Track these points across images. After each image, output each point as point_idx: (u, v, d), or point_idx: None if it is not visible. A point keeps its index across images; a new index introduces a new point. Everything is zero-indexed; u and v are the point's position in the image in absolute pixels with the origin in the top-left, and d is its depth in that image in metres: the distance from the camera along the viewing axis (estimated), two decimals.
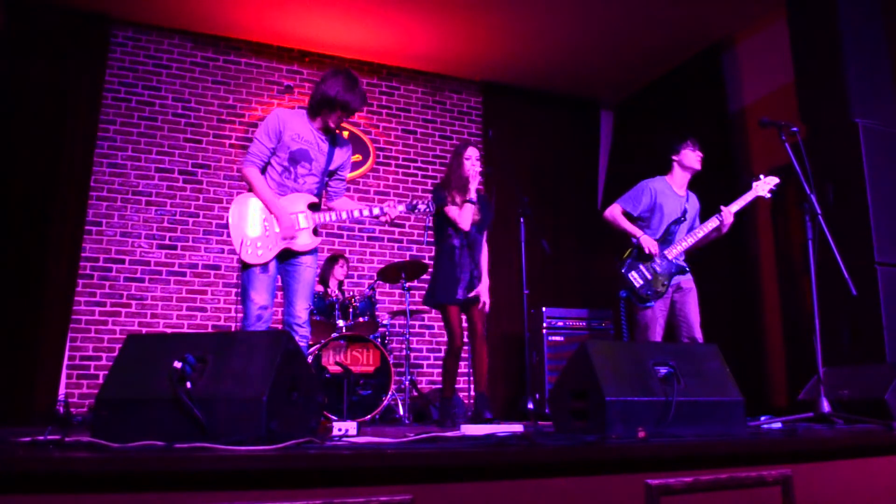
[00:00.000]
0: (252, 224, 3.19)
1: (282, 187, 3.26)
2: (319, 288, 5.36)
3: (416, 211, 3.49)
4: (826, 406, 2.89)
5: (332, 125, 3.27)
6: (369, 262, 6.31)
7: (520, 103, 7.05)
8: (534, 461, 1.73)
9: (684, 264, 3.98)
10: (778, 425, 2.82)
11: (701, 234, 3.92)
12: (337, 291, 5.43)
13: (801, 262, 5.10)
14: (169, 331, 5.58)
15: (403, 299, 5.43)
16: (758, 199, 3.96)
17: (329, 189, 3.49)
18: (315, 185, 3.33)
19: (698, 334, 3.93)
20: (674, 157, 4.12)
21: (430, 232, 6.29)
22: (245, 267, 3.17)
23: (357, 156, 6.47)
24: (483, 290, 4.07)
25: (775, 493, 1.97)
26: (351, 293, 5.42)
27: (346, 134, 6.36)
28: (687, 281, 4.00)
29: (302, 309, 3.27)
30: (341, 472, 1.57)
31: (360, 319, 5.05)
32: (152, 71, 5.95)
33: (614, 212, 4.11)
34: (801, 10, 4.62)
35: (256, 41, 6.28)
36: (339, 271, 5.46)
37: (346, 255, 5.98)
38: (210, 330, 5.68)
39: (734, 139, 5.97)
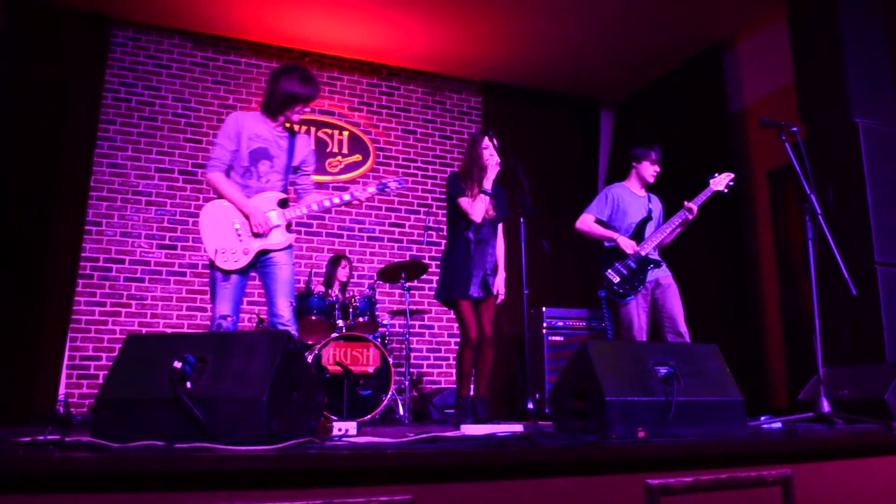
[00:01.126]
0: (225, 231, 3.18)
1: (246, 189, 3.25)
2: (321, 288, 5.37)
3: (388, 190, 3.51)
4: (826, 406, 2.89)
5: (295, 119, 3.31)
6: (369, 262, 6.31)
7: (520, 103, 7.05)
8: (534, 461, 1.73)
9: (658, 257, 4.11)
10: (778, 425, 2.82)
11: (669, 230, 4.07)
12: (338, 292, 5.43)
13: (801, 262, 5.11)
14: (169, 331, 5.58)
15: (403, 299, 5.43)
16: (733, 196, 4.17)
17: (297, 187, 3.47)
18: (280, 182, 3.32)
19: (683, 329, 3.99)
20: (633, 164, 4.29)
21: (430, 232, 6.32)
22: (212, 266, 3.18)
23: (357, 156, 6.48)
24: (500, 282, 4.02)
25: (775, 493, 1.97)
26: (351, 293, 5.42)
27: (340, 131, 6.37)
28: (665, 277, 4.10)
29: (284, 307, 3.25)
30: (341, 472, 1.57)
31: (360, 319, 5.05)
32: (152, 71, 5.95)
33: (587, 221, 4.25)
34: (801, 10, 4.62)
35: (256, 41, 6.28)
36: (341, 273, 5.46)
37: (347, 254, 5.98)
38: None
39: (734, 139, 5.97)
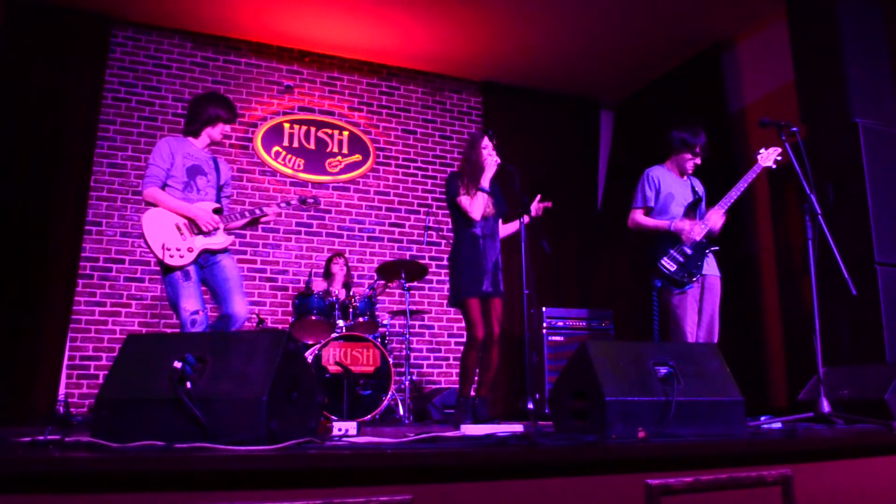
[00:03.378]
0: (168, 231, 3.46)
1: (187, 201, 3.54)
2: (321, 287, 5.37)
3: (307, 204, 3.95)
4: (826, 406, 2.89)
5: (217, 138, 3.70)
6: (369, 262, 6.31)
7: (520, 103, 7.05)
8: (534, 461, 1.73)
9: (709, 247, 3.83)
10: (778, 425, 2.82)
11: (738, 192, 3.80)
12: (340, 289, 5.44)
13: (801, 262, 5.11)
14: (169, 331, 5.58)
15: (403, 299, 5.43)
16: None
17: (222, 204, 3.78)
18: (214, 196, 3.67)
19: (716, 332, 3.82)
20: (674, 153, 4.04)
21: (430, 232, 6.32)
22: (168, 271, 3.41)
23: (357, 156, 6.48)
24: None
25: (775, 493, 1.97)
26: (351, 293, 5.42)
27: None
28: (714, 279, 3.86)
29: (241, 303, 3.52)
30: (341, 472, 1.57)
31: (360, 319, 5.05)
32: (152, 71, 5.95)
33: (635, 217, 3.99)
34: (801, 10, 4.62)
35: (256, 41, 6.28)
36: (335, 269, 5.48)
37: (346, 254, 5.98)
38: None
39: (734, 139, 5.97)
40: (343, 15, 5.83)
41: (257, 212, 3.79)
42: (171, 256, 3.40)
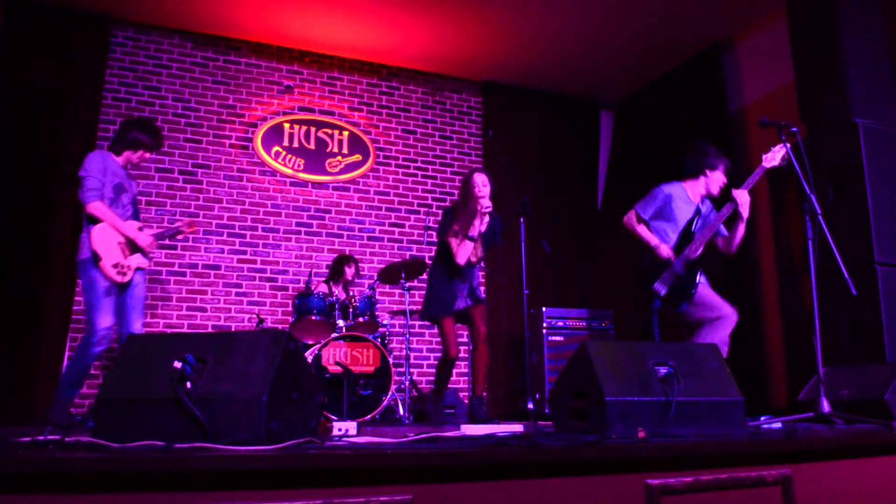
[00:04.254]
0: (114, 250, 3.70)
1: (123, 222, 3.80)
2: (322, 288, 5.37)
3: (179, 230, 4.18)
4: (826, 406, 2.89)
5: (135, 161, 3.93)
6: (369, 262, 6.31)
7: (520, 103, 7.05)
8: (534, 461, 1.73)
9: (698, 271, 3.82)
10: (778, 425, 2.82)
11: (718, 224, 3.77)
12: (341, 290, 5.44)
13: (801, 262, 5.10)
14: (169, 331, 5.58)
15: (403, 299, 5.43)
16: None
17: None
18: (132, 212, 3.93)
19: (724, 311, 3.85)
20: (707, 170, 3.93)
21: (430, 231, 6.31)
22: (95, 286, 3.60)
23: (357, 156, 6.48)
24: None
25: (775, 493, 1.97)
26: (351, 293, 5.42)
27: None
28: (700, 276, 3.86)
29: (139, 325, 3.79)
30: (341, 472, 1.57)
31: (360, 319, 5.05)
32: (152, 71, 5.95)
33: (630, 219, 3.97)
34: (801, 10, 4.61)
35: (256, 41, 6.28)
36: (349, 272, 5.50)
37: (346, 253, 5.98)
38: (210, 330, 5.68)
39: (734, 139, 5.97)
40: (343, 15, 5.83)
41: (174, 229, 4.11)
42: (119, 274, 3.65)
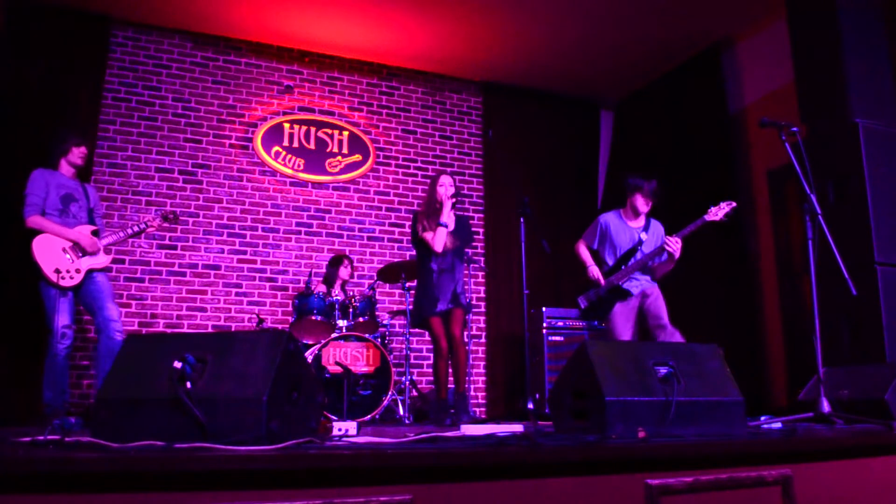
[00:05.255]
0: (57, 255, 3.93)
1: (65, 225, 4.02)
2: (321, 288, 5.37)
3: (169, 220, 4.42)
4: (826, 406, 2.89)
5: (78, 162, 4.16)
6: (369, 262, 6.31)
7: (520, 103, 7.05)
8: (534, 461, 1.73)
9: (628, 288, 4.27)
10: (778, 425, 2.82)
11: (645, 261, 4.22)
12: (339, 291, 5.44)
13: (801, 262, 5.11)
14: (169, 331, 5.58)
15: (403, 299, 5.43)
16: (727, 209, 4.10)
17: (96, 226, 4.20)
18: (86, 219, 4.15)
19: (666, 321, 4.18)
20: (627, 194, 4.39)
21: None
22: (48, 291, 3.88)
23: (357, 156, 6.48)
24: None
25: (775, 493, 1.97)
26: (351, 293, 5.41)
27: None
28: (651, 287, 4.30)
29: (114, 309, 4.03)
30: (341, 472, 1.57)
31: (360, 319, 5.05)
32: (152, 71, 5.95)
33: (578, 246, 4.54)
34: (801, 10, 4.61)
35: (256, 41, 6.28)
36: (343, 272, 5.48)
37: (347, 254, 5.98)
38: (210, 330, 5.68)
39: (734, 139, 5.97)
40: (343, 15, 5.83)
41: (141, 226, 4.30)
42: (63, 279, 3.87)
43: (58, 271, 3.89)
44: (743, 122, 5.98)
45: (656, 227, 4.45)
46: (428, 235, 4.25)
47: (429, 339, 6.37)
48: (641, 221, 4.41)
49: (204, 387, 1.83)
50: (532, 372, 5.72)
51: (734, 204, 4.08)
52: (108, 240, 4.18)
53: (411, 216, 4.63)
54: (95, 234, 4.14)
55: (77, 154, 4.20)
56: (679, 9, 5.66)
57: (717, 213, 4.07)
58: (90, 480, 1.43)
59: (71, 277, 3.92)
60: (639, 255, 4.30)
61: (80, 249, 4.01)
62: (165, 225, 4.50)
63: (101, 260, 4.10)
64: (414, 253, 6.45)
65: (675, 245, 4.08)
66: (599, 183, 7.32)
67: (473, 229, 5.65)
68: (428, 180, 6.67)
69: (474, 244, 6.48)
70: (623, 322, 4.26)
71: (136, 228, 4.29)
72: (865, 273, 3.95)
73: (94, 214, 4.25)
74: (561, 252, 6.79)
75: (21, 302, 5.09)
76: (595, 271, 4.36)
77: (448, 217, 4.26)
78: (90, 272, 4.05)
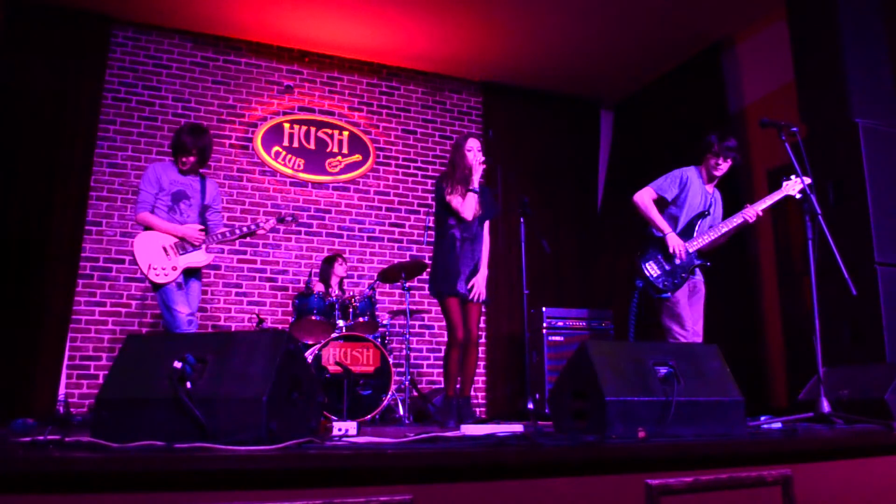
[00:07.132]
0: (156, 252, 3.89)
1: (173, 223, 3.98)
2: (321, 288, 5.37)
3: (284, 222, 4.31)
4: (826, 406, 2.89)
5: (186, 167, 4.02)
6: (369, 262, 6.31)
7: (520, 103, 7.05)
8: (534, 461, 1.73)
9: (698, 260, 3.84)
10: (778, 425, 2.82)
11: (724, 230, 3.83)
12: (338, 290, 5.44)
13: (801, 262, 5.11)
14: None
15: (403, 299, 5.43)
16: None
17: (208, 223, 4.12)
18: (196, 219, 4.07)
19: (701, 330, 3.90)
20: (707, 154, 3.95)
21: (430, 231, 6.32)
22: (157, 287, 3.86)
23: (357, 156, 6.48)
24: (480, 281, 4.01)
25: (775, 493, 1.97)
26: (351, 293, 5.41)
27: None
28: (700, 282, 3.94)
29: (186, 316, 3.95)
30: (341, 472, 1.57)
31: (360, 319, 5.05)
32: (152, 71, 5.95)
33: (645, 198, 3.91)
34: (801, 10, 4.61)
35: (256, 41, 6.28)
36: (339, 269, 5.48)
37: (346, 254, 5.98)
38: (210, 330, 5.68)
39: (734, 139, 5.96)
40: (343, 15, 5.83)
41: (252, 227, 4.15)
42: (157, 275, 3.84)
43: (152, 266, 3.85)
44: (743, 122, 5.98)
45: (719, 196, 4.05)
46: (455, 201, 3.95)
47: (428, 338, 6.41)
48: (711, 188, 4.01)
49: (204, 387, 1.83)
50: (532, 372, 5.72)
51: (810, 180, 3.41)
52: (215, 239, 4.06)
53: (434, 183, 4.23)
54: (202, 231, 4.06)
55: (187, 162, 4.03)
56: (679, 9, 5.66)
57: (793, 186, 3.68)
58: (90, 480, 1.43)
59: (166, 275, 3.86)
60: (707, 224, 3.85)
61: (182, 246, 3.94)
62: (280, 227, 4.37)
63: (199, 258, 3.99)
64: (414, 253, 6.49)
65: (753, 215, 3.72)
66: (599, 183, 7.32)
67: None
68: (428, 180, 6.67)
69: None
70: (685, 306, 3.79)
71: (244, 230, 4.13)
72: (865, 273, 3.95)
73: (211, 210, 4.13)
74: (561, 252, 6.81)
75: (17, 302, 5.09)
76: (677, 242, 3.76)
77: (477, 183, 3.97)
78: (188, 272, 3.97)
